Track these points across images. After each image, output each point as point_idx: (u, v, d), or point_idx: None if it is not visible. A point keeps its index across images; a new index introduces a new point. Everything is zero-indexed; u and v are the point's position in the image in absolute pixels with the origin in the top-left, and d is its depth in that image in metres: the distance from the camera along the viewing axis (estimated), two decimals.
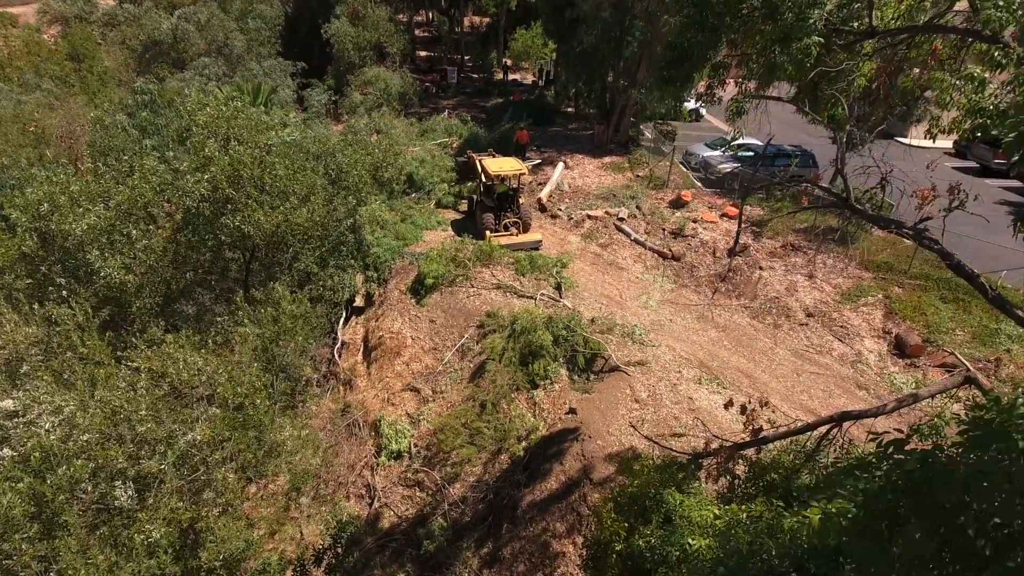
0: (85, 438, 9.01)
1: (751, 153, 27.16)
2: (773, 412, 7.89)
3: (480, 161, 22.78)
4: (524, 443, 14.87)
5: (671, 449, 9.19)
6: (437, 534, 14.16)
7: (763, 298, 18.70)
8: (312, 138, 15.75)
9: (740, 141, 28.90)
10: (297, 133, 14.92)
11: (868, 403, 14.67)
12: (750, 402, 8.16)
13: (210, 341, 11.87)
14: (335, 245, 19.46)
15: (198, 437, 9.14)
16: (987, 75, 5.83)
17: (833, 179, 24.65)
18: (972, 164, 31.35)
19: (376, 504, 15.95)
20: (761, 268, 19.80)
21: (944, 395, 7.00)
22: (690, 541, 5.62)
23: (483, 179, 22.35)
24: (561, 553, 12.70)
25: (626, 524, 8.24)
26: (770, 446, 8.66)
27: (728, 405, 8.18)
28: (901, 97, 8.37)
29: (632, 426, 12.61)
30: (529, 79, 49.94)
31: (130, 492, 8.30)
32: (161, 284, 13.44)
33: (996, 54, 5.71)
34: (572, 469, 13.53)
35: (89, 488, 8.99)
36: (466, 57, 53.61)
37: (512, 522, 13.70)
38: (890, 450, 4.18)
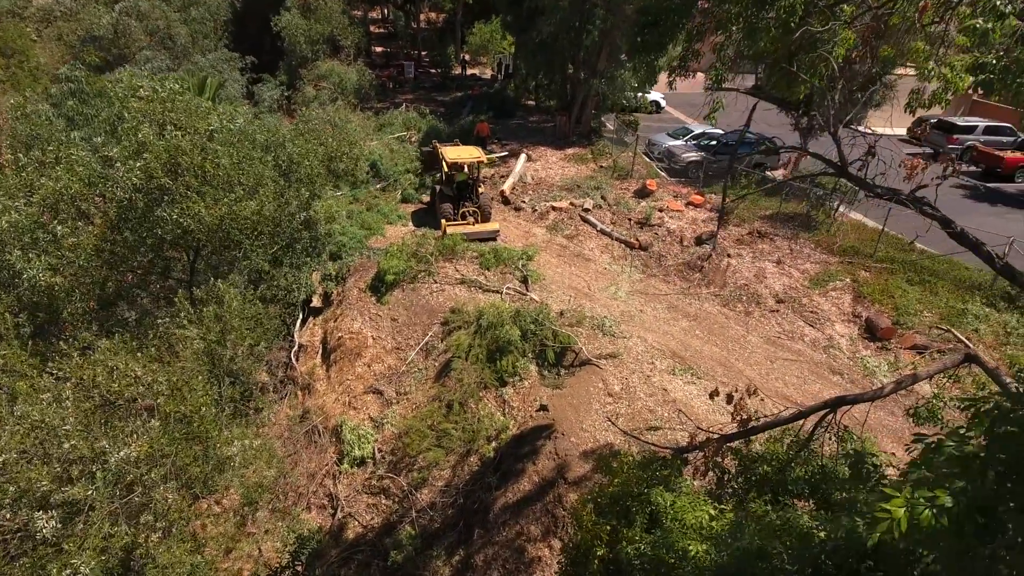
0: (2, 459, 7.98)
1: (714, 142, 27.02)
2: (762, 401, 7.41)
3: (439, 149, 22.18)
4: (494, 443, 14.20)
5: (652, 444, 8.62)
6: (405, 543, 13.45)
7: (733, 286, 18.40)
8: (260, 127, 14.70)
9: (702, 130, 28.91)
10: (242, 120, 13.86)
11: (843, 388, 14.45)
12: (736, 390, 7.63)
13: (151, 347, 10.83)
14: (289, 242, 18.43)
15: (134, 453, 8.18)
16: (990, 25, 5.40)
17: (796, 164, 24.63)
18: (927, 149, 31.90)
19: (339, 514, 15.07)
20: (729, 256, 19.53)
21: (943, 375, 6.59)
22: (687, 546, 5.03)
23: (444, 169, 21.69)
24: (537, 558, 12.08)
25: (608, 527, 7.61)
26: (756, 437, 8.16)
27: (714, 395, 7.64)
28: (881, 68, 7.96)
29: (609, 420, 12.05)
30: (488, 74, 49.22)
31: (54, 522, 7.31)
32: (94, 286, 12.28)
33: (998, 3, 5.28)
34: (546, 469, 12.91)
35: (8, 515, 7.98)
36: (423, 52, 52.53)
37: (484, 527, 13.02)
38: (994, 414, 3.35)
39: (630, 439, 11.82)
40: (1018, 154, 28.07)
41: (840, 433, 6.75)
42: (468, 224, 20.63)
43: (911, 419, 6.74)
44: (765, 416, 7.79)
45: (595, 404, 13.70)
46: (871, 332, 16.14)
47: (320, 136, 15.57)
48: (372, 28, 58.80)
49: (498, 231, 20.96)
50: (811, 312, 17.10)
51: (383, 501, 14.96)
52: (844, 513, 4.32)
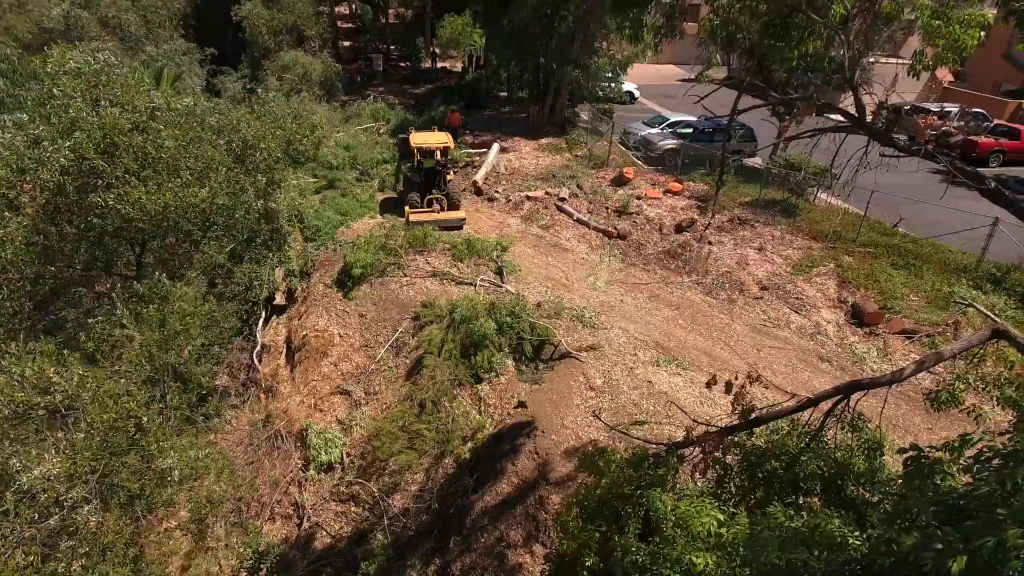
0: None
1: (690, 129, 26.47)
2: (765, 388, 6.69)
3: (408, 135, 21.29)
4: (470, 444, 13.36)
5: (643, 439, 7.83)
6: (377, 553, 12.61)
7: (715, 273, 17.78)
8: (211, 109, 13.57)
9: (678, 118, 28.38)
10: (190, 99, 12.74)
11: (833, 375, 13.88)
12: (735, 378, 6.88)
13: (86, 349, 9.75)
14: (249, 237, 17.33)
15: (54, 470, 7.13)
16: None
17: (774, 151, 24.25)
18: (902, 137, 31.84)
19: (306, 524, 14.09)
20: (710, 243, 18.91)
21: (970, 355, 5.92)
22: (694, 559, 4.25)
23: (416, 156, 20.79)
24: (519, 565, 11.23)
25: (597, 534, 6.81)
26: (753, 430, 7.41)
27: (711, 383, 6.88)
28: (886, 20, 7.30)
29: (594, 415, 11.24)
30: (459, 67, 48.19)
31: None
32: (24, 283, 11.10)
33: None
34: (526, 469, 12.08)
35: None
36: (392, 47, 51.28)
37: (461, 533, 12.14)
38: None
39: (616, 435, 11.06)
40: (991, 139, 28.05)
41: (855, 422, 6.04)
42: (433, 212, 19.74)
43: (930, 405, 6.05)
44: (775, 405, 7.07)
45: (576, 399, 12.91)
46: (858, 318, 15.64)
47: (278, 119, 14.48)
48: (340, 24, 57.41)
49: (464, 219, 20.12)
50: (796, 298, 16.55)
51: (353, 508, 14.02)
52: (889, 527, 3.56)
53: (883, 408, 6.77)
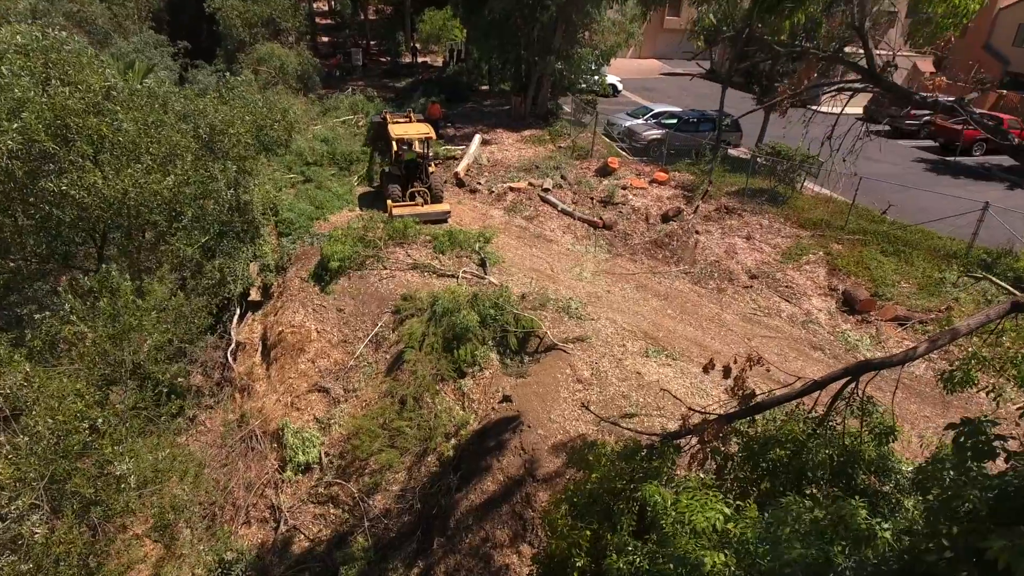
0: None
1: (675, 120, 26.10)
2: (767, 371, 6.24)
3: (388, 124, 20.58)
4: (453, 441, 12.82)
5: (635, 430, 7.34)
6: (358, 556, 12.13)
7: (703, 263, 17.39)
8: (176, 93, 12.85)
9: (661, 109, 28.02)
10: (150, 80, 12.03)
11: (826, 364, 13.51)
12: (735, 362, 6.42)
13: (36, 345, 9.06)
14: (221, 230, 16.61)
15: None
16: None
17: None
18: (883, 127, 31.76)
19: (283, 527, 13.47)
20: (697, 232, 18.52)
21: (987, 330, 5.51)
22: (701, 557, 3.76)
23: (392, 146, 20.13)
24: (505, 566, 10.72)
25: (588, 532, 6.31)
26: (754, 417, 6.95)
27: (708, 368, 6.42)
28: None
29: (584, 407, 10.74)
30: (440, 61, 47.52)
31: None
32: None
33: None
34: (512, 466, 11.56)
35: None
36: (371, 42, 50.47)
37: (445, 534, 11.61)
38: None
39: (606, 428, 10.59)
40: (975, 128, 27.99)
41: (865, 405, 5.59)
42: (417, 205, 19.09)
43: (943, 386, 5.62)
44: (761, 394, 6.63)
45: (564, 392, 12.41)
46: (849, 305, 15.32)
47: (248, 103, 13.78)
48: (319, 20, 56.54)
49: (449, 212, 19.50)
50: (786, 287, 16.20)
51: (332, 510, 13.42)
52: (936, 519, 3.07)
53: (895, 389, 6.34)
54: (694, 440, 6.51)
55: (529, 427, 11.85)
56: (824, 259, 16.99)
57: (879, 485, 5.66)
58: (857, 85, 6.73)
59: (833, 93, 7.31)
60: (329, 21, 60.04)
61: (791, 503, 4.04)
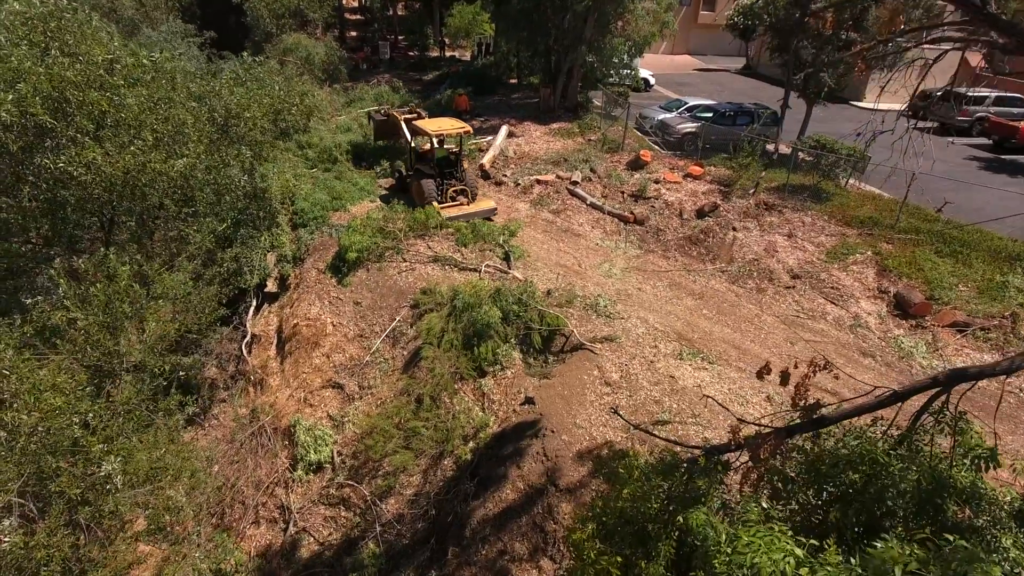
0: None
1: (710, 113, 24.98)
2: (837, 377, 5.32)
3: (409, 121, 19.71)
4: (471, 444, 12.04)
5: (673, 441, 6.46)
6: (368, 563, 11.46)
7: (741, 261, 16.34)
8: (186, 71, 12.27)
9: (696, 102, 26.93)
10: (157, 53, 11.44)
11: (877, 372, 12.42)
12: (795, 366, 5.51)
13: (28, 332, 8.50)
14: (238, 219, 16.08)
15: None
16: None
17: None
18: (931, 124, 30.17)
19: (292, 529, 12.84)
20: (735, 229, 17.47)
21: None
22: None
23: (410, 143, 19.32)
24: None
25: (619, 559, 5.45)
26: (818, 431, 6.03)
27: (763, 372, 5.52)
28: None
29: (614, 411, 9.85)
30: (467, 56, 46.88)
31: None
32: None
33: None
34: (533, 473, 10.73)
35: None
36: (400, 37, 50.06)
37: (460, 544, 10.82)
38: None
39: (637, 436, 9.70)
40: None
41: (957, 423, 4.64)
42: (462, 204, 18.22)
43: None
44: (850, 399, 5.69)
45: (590, 395, 11.54)
46: (902, 308, 14.15)
47: (265, 84, 13.11)
48: (348, 16, 56.47)
49: (495, 209, 18.55)
50: (831, 288, 15.08)
51: (343, 513, 12.75)
52: None
53: (999, 404, 5.36)
54: (743, 455, 5.61)
55: (552, 432, 11.01)
56: (873, 259, 15.81)
57: (972, 518, 4.71)
58: (952, 34, 5.62)
59: (931, 41, 6.23)
60: (359, 17, 59.97)
61: (890, 549, 3.15)
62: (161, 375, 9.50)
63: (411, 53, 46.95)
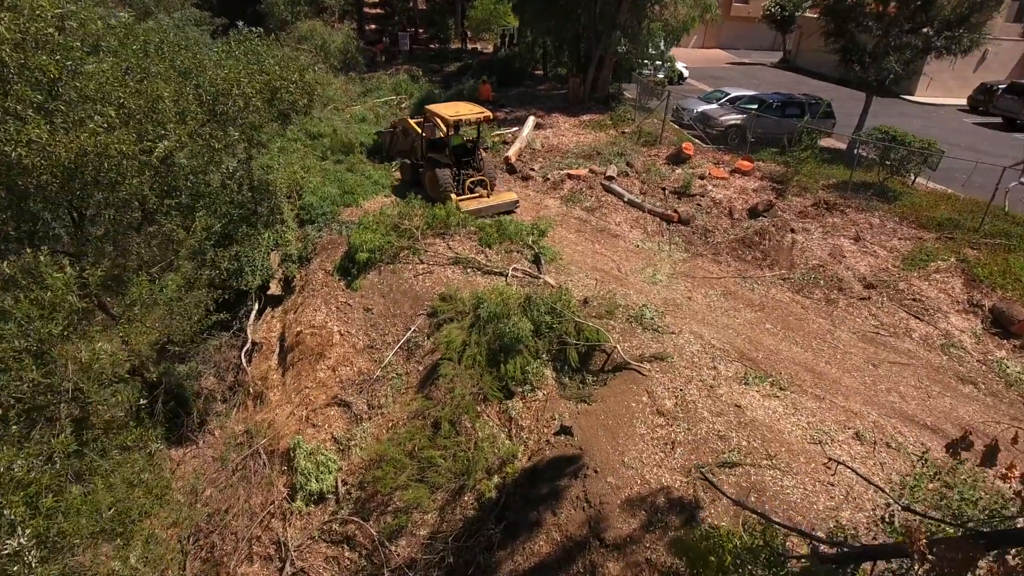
0: None
1: (755, 104, 22.89)
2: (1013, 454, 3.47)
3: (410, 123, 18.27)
4: (497, 478, 10.25)
5: (778, 524, 4.57)
6: None
7: (803, 267, 14.34)
8: (171, 40, 10.60)
9: (740, 92, 24.86)
10: (124, 15, 9.77)
11: (982, 403, 10.37)
12: (972, 434, 3.72)
13: None
14: (241, 215, 14.48)
15: None
16: None
17: (859, 127, 20.69)
18: (993, 120, 27.74)
19: (288, 569, 11.14)
20: (793, 231, 15.45)
21: None
22: None
23: (422, 134, 17.60)
24: None
25: None
26: None
27: (958, 446, 3.62)
28: None
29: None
30: (490, 48, 45.16)
31: None
32: None
33: None
34: (571, 522, 8.90)
35: None
36: (420, 29, 48.52)
37: None
38: None
39: (702, 483, 7.81)
40: None
41: None
42: (481, 197, 16.50)
43: None
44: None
45: (640, 426, 9.66)
46: (1002, 326, 12.08)
47: (260, 58, 11.41)
48: (368, 10, 55.24)
49: (517, 202, 16.86)
50: (913, 300, 13.03)
51: (347, 553, 11.02)
52: None
53: None
54: (918, 568, 3.73)
55: (596, 472, 9.16)
56: (958, 267, 13.73)
57: None
58: None
59: None
60: (379, 11, 58.66)
61: None
62: (106, 406, 7.70)
63: (432, 45, 45.39)
